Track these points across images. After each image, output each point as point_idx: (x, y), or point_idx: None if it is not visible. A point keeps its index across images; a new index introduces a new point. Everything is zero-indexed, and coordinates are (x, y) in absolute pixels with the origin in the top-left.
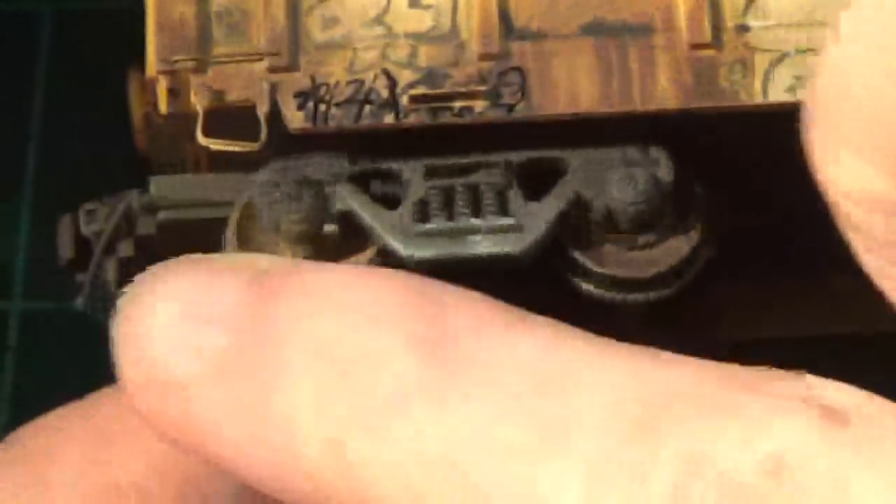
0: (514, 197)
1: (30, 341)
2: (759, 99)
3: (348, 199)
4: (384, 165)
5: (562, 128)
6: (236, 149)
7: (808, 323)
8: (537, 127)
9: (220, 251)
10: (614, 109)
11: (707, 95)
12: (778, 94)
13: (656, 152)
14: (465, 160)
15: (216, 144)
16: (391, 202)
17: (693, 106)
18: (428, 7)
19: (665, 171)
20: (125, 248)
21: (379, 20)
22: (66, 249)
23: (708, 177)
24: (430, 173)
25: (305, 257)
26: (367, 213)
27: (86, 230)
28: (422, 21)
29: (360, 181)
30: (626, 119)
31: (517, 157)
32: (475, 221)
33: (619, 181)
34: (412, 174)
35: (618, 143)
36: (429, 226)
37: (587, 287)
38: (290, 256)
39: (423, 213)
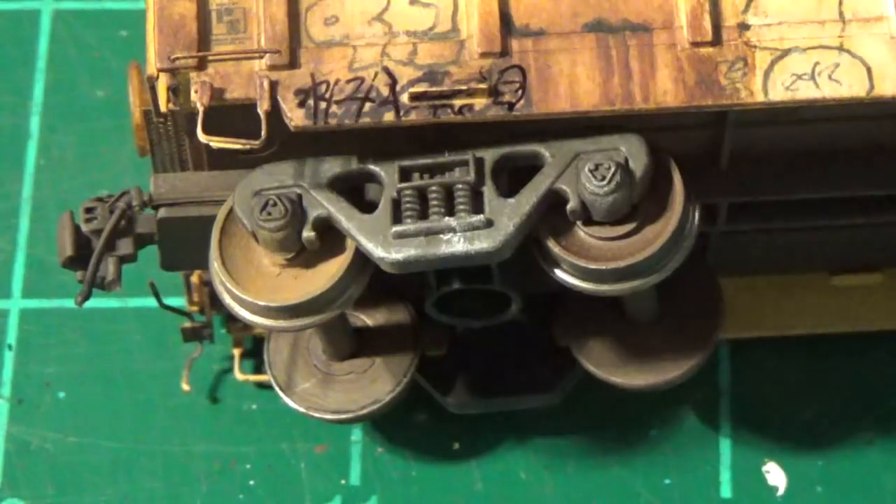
0: (488, 194)
1: (29, 340)
2: (759, 97)
3: (325, 204)
4: (360, 167)
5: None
6: (237, 146)
7: (809, 323)
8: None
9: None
10: (615, 108)
11: (708, 93)
12: (779, 92)
13: (630, 142)
14: (439, 159)
15: (217, 142)
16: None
17: (694, 104)
18: (428, 5)
19: (638, 161)
20: (125, 246)
21: (379, 18)
22: (65, 247)
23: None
24: (405, 174)
25: (285, 262)
26: (344, 217)
27: (85, 228)
28: (422, 19)
29: (337, 184)
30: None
31: (490, 153)
32: (449, 220)
33: (591, 173)
34: (387, 175)
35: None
36: (403, 227)
37: (567, 278)
38: (271, 263)
39: (398, 215)
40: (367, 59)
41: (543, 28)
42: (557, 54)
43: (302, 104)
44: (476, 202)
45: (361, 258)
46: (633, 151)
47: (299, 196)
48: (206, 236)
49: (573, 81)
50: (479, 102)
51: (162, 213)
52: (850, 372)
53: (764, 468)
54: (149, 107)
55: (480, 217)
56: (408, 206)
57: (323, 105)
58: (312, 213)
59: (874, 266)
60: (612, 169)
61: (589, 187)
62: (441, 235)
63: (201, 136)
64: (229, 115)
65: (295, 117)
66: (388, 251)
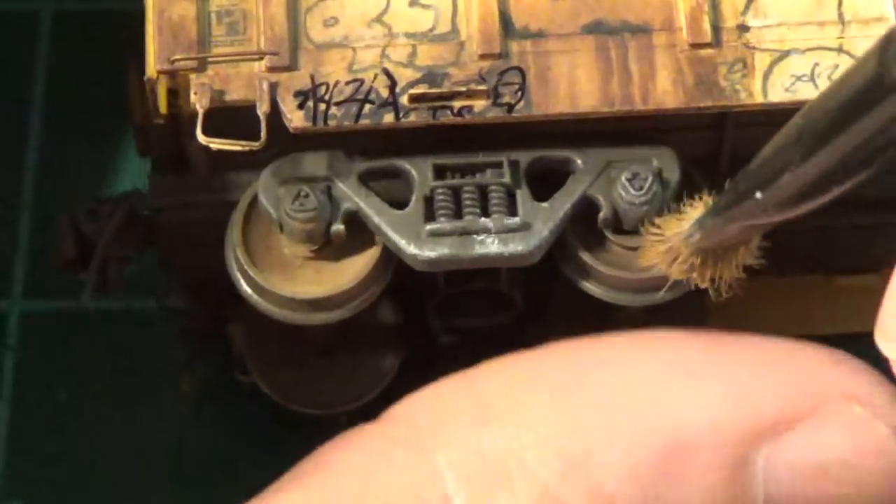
0: (522, 196)
1: (30, 341)
2: (759, 98)
3: (354, 198)
4: (392, 163)
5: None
6: (236, 148)
7: (809, 323)
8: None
9: (221, 249)
10: (614, 109)
11: (707, 95)
12: (778, 94)
13: (663, 152)
14: (473, 159)
15: (216, 144)
16: (397, 200)
17: (693, 105)
18: (428, 7)
19: (671, 172)
20: (126, 248)
21: (379, 20)
22: (66, 249)
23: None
24: (439, 172)
25: (310, 254)
26: (375, 212)
27: (87, 230)
28: (422, 21)
29: (367, 179)
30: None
31: (524, 156)
32: (484, 221)
33: (627, 182)
34: (420, 172)
35: (624, 143)
36: (437, 225)
37: (591, 287)
38: (292, 254)
39: (431, 212)
40: (366, 61)
41: (543, 29)
42: (557, 56)
43: (301, 106)
44: (510, 205)
45: (386, 257)
46: (666, 164)
47: (328, 188)
48: (207, 239)
49: (572, 83)
50: (479, 104)
51: (162, 215)
52: None
53: None
54: (149, 108)
55: (517, 220)
56: (442, 204)
57: (322, 107)
58: (342, 207)
59: (875, 267)
60: (650, 180)
61: (626, 196)
62: (475, 236)
63: (201, 138)
64: (229, 117)
65: (294, 119)
66: (420, 249)
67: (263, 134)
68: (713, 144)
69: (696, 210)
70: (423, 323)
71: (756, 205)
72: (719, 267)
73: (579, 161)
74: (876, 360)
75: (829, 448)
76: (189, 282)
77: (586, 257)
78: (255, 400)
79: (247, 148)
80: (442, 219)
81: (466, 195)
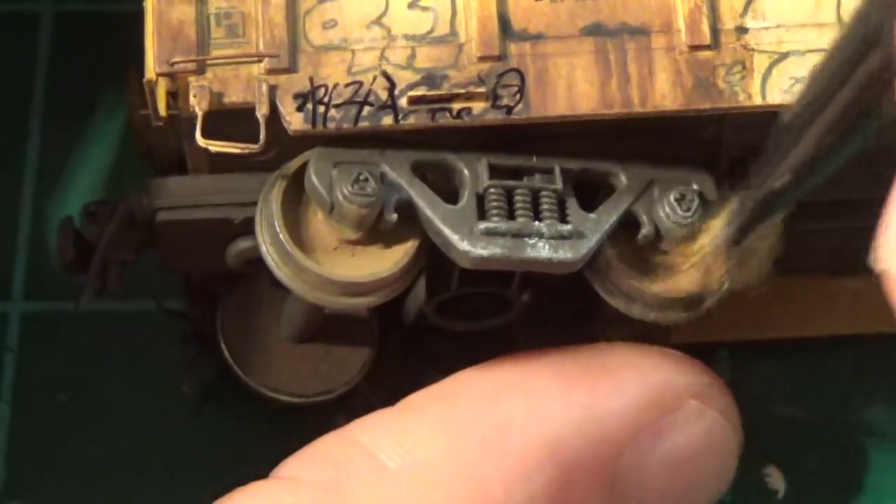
0: (572, 205)
1: (30, 342)
2: (757, 100)
3: (407, 188)
4: (443, 157)
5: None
6: (236, 150)
7: (809, 323)
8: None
9: (220, 251)
10: (613, 111)
11: (706, 97)
12: (777, 95)
13: (702, 177)
14: (525, 163)
15: (215, 146)
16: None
17: (692, 107)
18: (427, 9)
19: (711, 194)
20: (126, 250)
21: (378, 22)
22: (66, 251)
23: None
24: (492, 172)
25: (353, 239)
26: (427, 204)
27: (86, 233)
28: (421, 23)
29: (417, 170)
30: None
31: (573, 164)
32: (538, 225)
33: (677, 202)
34: (474, 170)
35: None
36: (492, 224)
37: (631, 309)
38: (331, 236)
39: (482, 210)
40: (365, 63)
41: (542, 32)
42: (556, 58)
43: (300, 108)
44: (561, 212)
45: (425, 248)
46: (706, 186)
47: (382, 175)
48: (206, 239)
49: (571, 85)
50: (478, 106)
51: (161, 216)
52: (850, 374)
53: (764, 471)
54: (148, 110)
55: (569, 227)
56: (494, 204)
57: (321, 109)
58: (394, 196)
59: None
60: (697, 201)
61: (672, 216)
62: (527, 239)
63: (200, 141)
64: (228, 119)
65: (294, 121)
66: (473, 245)
67: (262, 136)
68: (712, 145)
69: (712, 225)
70: (398, 315)
71: (784, 187)
72: (750, 266)
73: (623, 176)
74: (877, 363)
75: (679, 444)
76: (188, 283)
77: (626, 273)
78: (255, 400)
79: (246, 150)
80: (496, 218)
81: (519, 197)
